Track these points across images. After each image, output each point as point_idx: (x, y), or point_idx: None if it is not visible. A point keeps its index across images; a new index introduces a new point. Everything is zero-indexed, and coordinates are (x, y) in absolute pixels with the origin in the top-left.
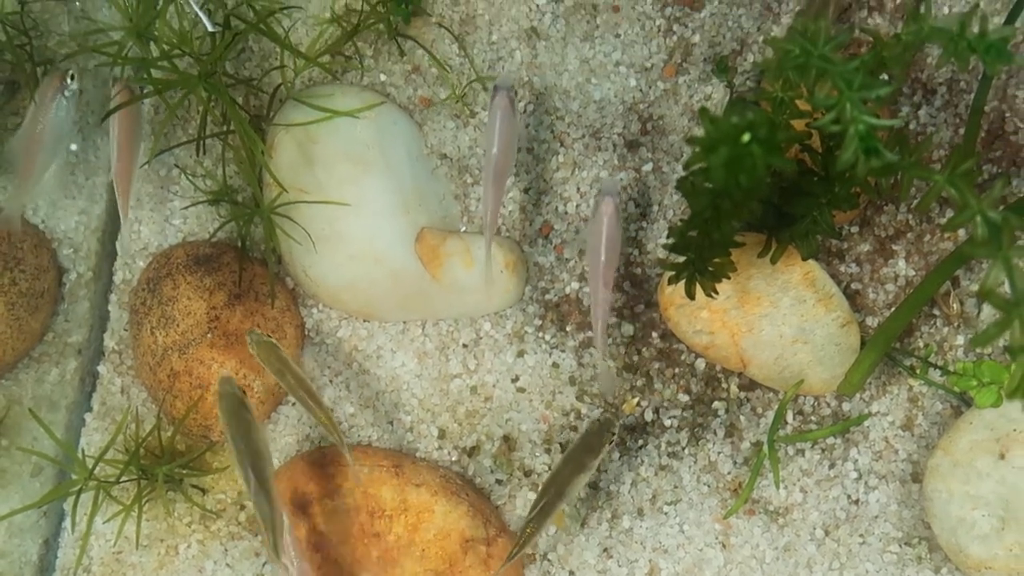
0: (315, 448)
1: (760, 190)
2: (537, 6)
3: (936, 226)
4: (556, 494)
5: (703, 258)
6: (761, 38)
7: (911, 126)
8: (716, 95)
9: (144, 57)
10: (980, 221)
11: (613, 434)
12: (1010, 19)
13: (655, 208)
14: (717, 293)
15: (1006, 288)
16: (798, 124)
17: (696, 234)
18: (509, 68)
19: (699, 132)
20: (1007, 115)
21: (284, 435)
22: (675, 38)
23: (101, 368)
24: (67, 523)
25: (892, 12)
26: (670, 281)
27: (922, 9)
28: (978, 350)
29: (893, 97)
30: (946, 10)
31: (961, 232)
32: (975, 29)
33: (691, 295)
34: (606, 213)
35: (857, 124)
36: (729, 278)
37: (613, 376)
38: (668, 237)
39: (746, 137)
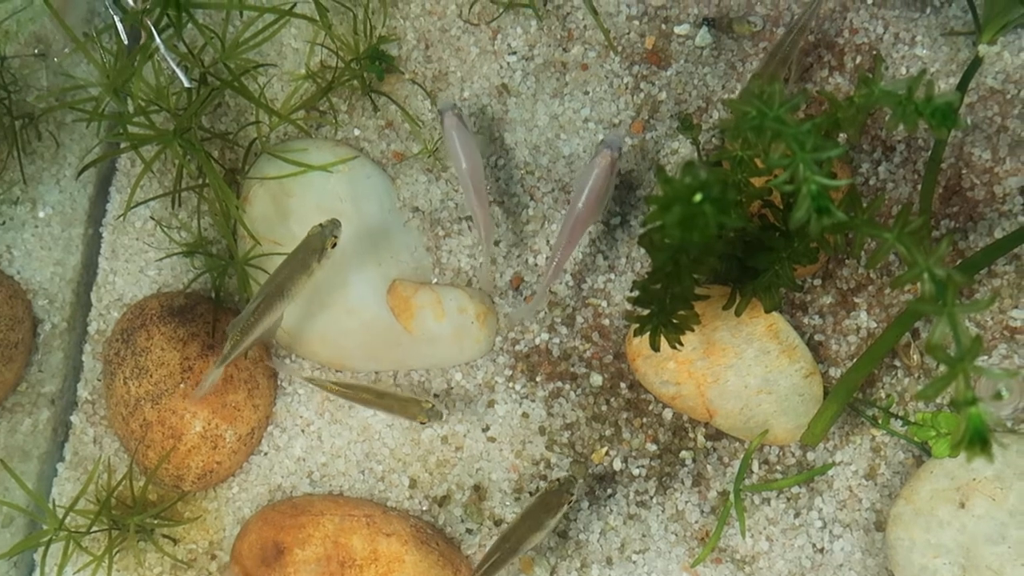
0: (286, 498)
1: (715, 247)
2: (508, 63)
3: (871, 268)
4: (509, 550)
5: (667, 311)
6: (725, 96)
7: (871, 182)
8: (683, 150)
9: (121, 113)
10: (927, 278)
11: (572, 495)
12: (963, 82)
13: (623, 260)
14: (682, 345)
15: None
16: (759, 181)
17: (659, 287)
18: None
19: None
20: (963, 171)
21: (256, 485)
22: (642, 95)
23: (74, 418)
24: (37, 574)
25: (851, 72)
26: (636, 333)
27: (874, 73)
28: (938, 400)
29: (851, 155)
30: (904, 70)
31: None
32: (922, 94)
33: (655, 347)
34: (599, 164)
35: (809, 184)
36: (693, 330)
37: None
38: (632, 290)
39: (698, 197)
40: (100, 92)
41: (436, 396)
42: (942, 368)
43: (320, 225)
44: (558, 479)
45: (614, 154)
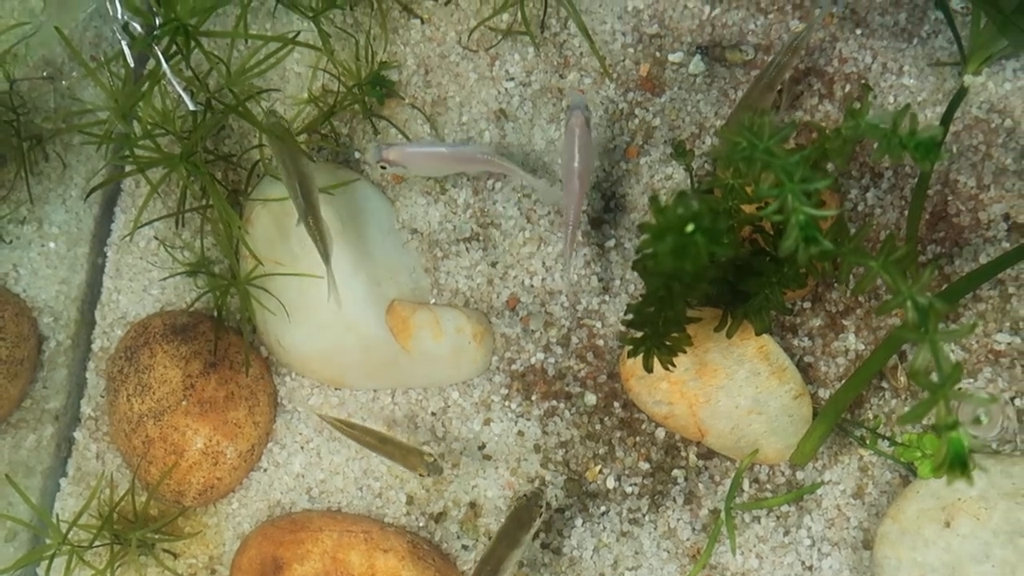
0: (285, 514)
1: (706, 274)
2: (506, 89)
3: (857, 295)
4: (491, 572)
5: (660, 333)
6: (718, 123)
7: (859, 207)
8: (676, 176)
9: (128, 135)
10: (910, 306)
11: (541, 507)
12: (949, 111)
13: (617, 282)
14: (674, 366)
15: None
16: (749, 208)
17: (652, 311)
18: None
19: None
20: (949, 198)
21: (255, 501)
22: (637, 121)
23: (77, 434)
24: None
25: (841, 100)
26: (630, 354)
27: (860, 104)
28: (924, 422)
29: (840, 181)
30: (891, 99)
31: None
32: (907, 127)
33: (648, 368)
34: (577, 124)
35: (798, 214)
36: (685, 352)
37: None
38: (626, 313)
39: (690, 227)
40: (108, 116)
41: (441, 456)
42: (926, 391)
43: (526, 496)
44: (525, 494)
45: (585, 112)
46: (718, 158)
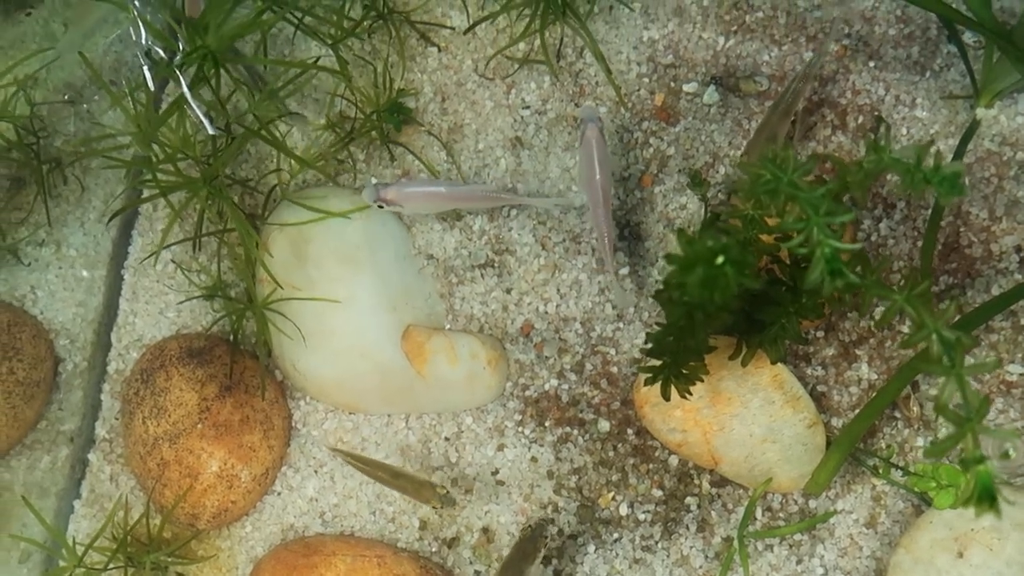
0: (298, 538)
1: (731, 305)
2: (521, 117)
3: (897, 332)
4: None
5: (678, 362)
6: (732, 152)
7: (872, 238)
8: (691, 205)
9: (149, 159)
10: (935, 340)
11: (546, 538)
12: (962, 144)
13: (631, 310)
14: (691, 394)
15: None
16: (767, 238)
17: (672, 340)
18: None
19: (675, 247)
20: (962, 230)
21: (269, 524)
22: (651, 150)
23: (91, 456)
24: None
25: (854, 131)
26: (646, 383)
27: (880, 135)
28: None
29: (854, 212)
30: (904, 131)
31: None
32: (930, 162)
33: (667, 397)
34: (592, 136)
35: (823, 247)
36: (703, 380)
37: (625, 292)
38: (646, 342)
39: (720, 259)
40: (131, 140)
41: (455, 481)
42: (941, 420)
43: (530, 527)
44: (530, 524)
45: (598, 124)
46: (739, 189)
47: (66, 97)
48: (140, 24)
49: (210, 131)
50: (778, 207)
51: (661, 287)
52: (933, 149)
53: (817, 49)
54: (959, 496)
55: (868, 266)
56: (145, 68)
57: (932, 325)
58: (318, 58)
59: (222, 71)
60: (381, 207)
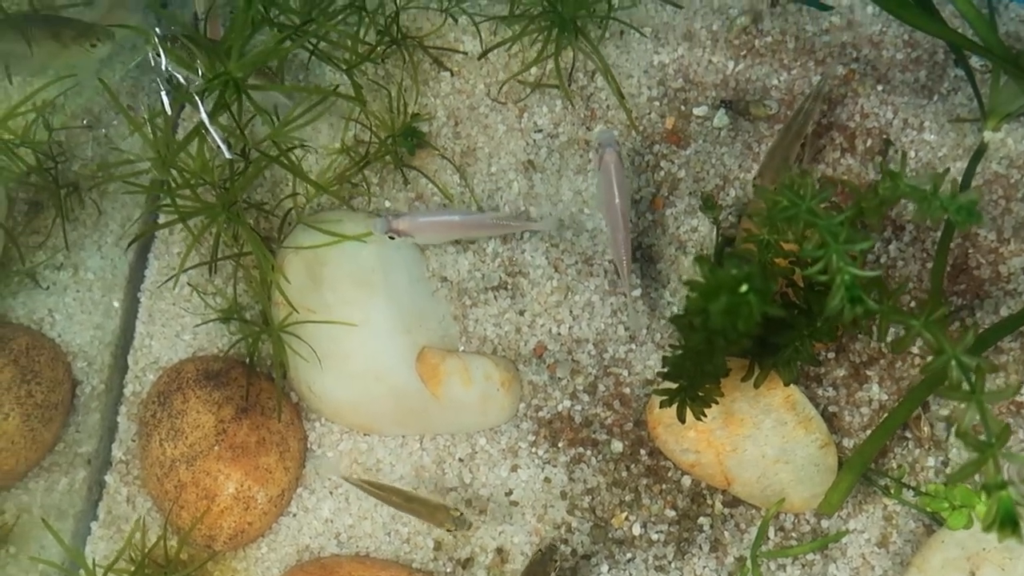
0: (314, 559)
1: (752, 330)
2: (534, 140)
3: (907, 353)
4: None
5: (695, 385)
6: (742, 175)
7: (882, 260)
8: (702, 228)
9: (168, 184)
10: (954, 366)
11: (556, 561)
12: (970, 167)
13: (644, 331)
14: (706, 417)
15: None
16: (781, 261)
17: (689, 364)
18: (507, 198)
19: (687, 270)
20: (970, 251)
21: (284, 545)
22: (662, 173)
23: (108, 478)
24: None
25: (863, 154)
26: (661, 405)
27: (891, 159)
28: (948, 471)
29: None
30: (913, 154)
31: (930, 359)
32: (946, 189)
33: (682, 419)
34: (611, 161)
35: (843, 275)
36: (718, 403)
37: (638, 314)
38: (663, 365)
39: (744, 288)
40: (150, 167)
41: (468, 502)
42: (952, 441)
43: (540, 551)
44: (540, 548)
45: (616, 149)
46: (755, 215)
47: (84, 122)
48: (160, 50)
49: (227, 156)
50: (796, 233)
51: (680, 313)
52: (948, 177)
53: (824, 72)
54: (981, 522)
55: (885, 292)
56: (163, 93)
57: (951, 351)
58: (337, 86)
59: (251, 98)
60: (392, 239)
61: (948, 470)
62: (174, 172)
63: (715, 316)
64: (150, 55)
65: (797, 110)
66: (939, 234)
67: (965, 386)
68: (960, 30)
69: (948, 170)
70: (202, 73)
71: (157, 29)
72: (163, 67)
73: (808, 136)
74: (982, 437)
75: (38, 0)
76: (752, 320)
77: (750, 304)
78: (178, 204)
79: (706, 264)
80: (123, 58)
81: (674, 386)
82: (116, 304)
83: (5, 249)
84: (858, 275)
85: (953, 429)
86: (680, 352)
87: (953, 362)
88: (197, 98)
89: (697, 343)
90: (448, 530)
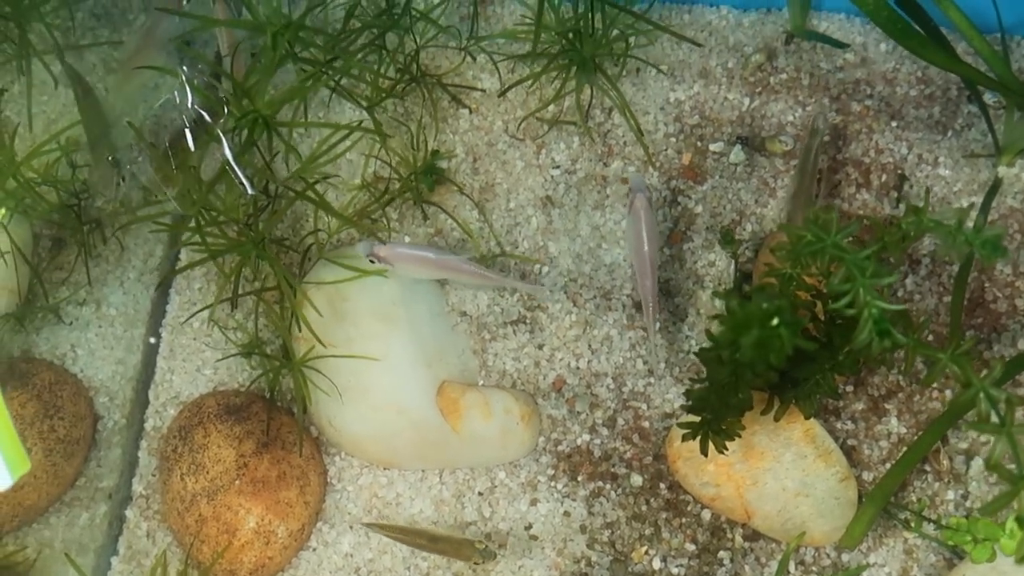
0: None
1: (781, 363)
2: (552, 176)
3: (925, 387)
4: None
5: (718, 418)
6: (758, 210)
7: (899, 293)
8: (719, 262)
9: (197, 223)
10: (983, 399)
11: None
12: (985, 202)
13: (662, 365)
14: (728, 450)
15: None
16: (803, 294)
17: (714, 397)
18: (526, 233)
19: (707, 304)
20: (986, 285)
21: None
22: (679, 208)
23: (129, 512)
24: None
25: (878, 189)
26: (684, 438)
27: (905, 193)
28: (967, 504)
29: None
30: (927, 189)
31: (948, 393)
32: (970, 224)
33: (705, 452)
34: (641, 207)
35: (871, 308)
36: (740, 436)
37: (659, 358)
38: (687, 399)
39: (775, 321)
40: (176, 206)
41: (488, 536)
42: (972, 473)
43: None
44: None
45: (646, 194)
46: (777, 249)
47: (109, 159)
48: (188, 88)
49: (249, 191)
50: (821, 267)
51: (705, 346)
52: (973, 214)
53: (841, 110)
54: (1015, 555)
55: (911, 325)
56: (188, 132)
57: (979, 384)
58: (361, 121)
59: (280, 135)
60: (373, 262)
61: (968, 503)
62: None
63: (746, 349)
64: (175, 94)
65: (804, 150)
66: (955, 268)
67: (994, 418)
68: (974, 67)
69: (972, 205)
70: (227, 111)
71: (184, 68)
72: (189, 105)
73: (823, 171)
74: (1012, 468)
75: (63, 40)
76: (783, 353)
77: (781, 337)
78: (207, 242)
79: (734, 298)
80: (146, 97)
81: (697, 419)
82: (138, 339)
83: (29, 286)
84: (885, 309)
85: (972, 463)
86: (705, 385)
87: (981, 395)
88: (222, 136)
89: (723, 376)
90: (476, 563)
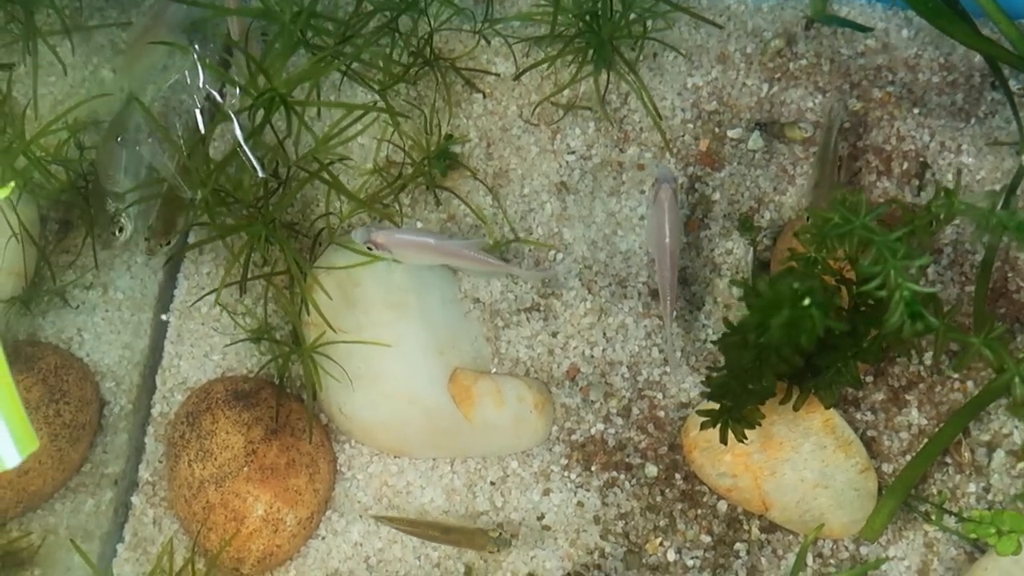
0: None
1: (809, 347)
2: (567, 162)
3: (947, 378)
4: None
5: (739, 405)
6: (777, 197)
7: (920, 283)
8: (737, 250)
9: (207, 203)
10: (1018, 383)
11: None
12: (1011, 190)
13: (678, 354)
14: (747, 439)
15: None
16: (828, 279)
17: (735, 384)
18: (540, 219)
19: (724, 291)
20: (1009, 275)
21: (313, 569)
22: (697, 195)
23: (134, 499)
24: None
25: (899, 177)
26: (703, 426)
27: (926, 180)
28: (989, 497)
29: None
30: (950, 177)
31: (970, 384)
32: (1001, 207)
33: (724, 440)
34: (665, 199)
35: (902, 291)
36: (761, 424)
37: (678, 361)
38: (706, 385)
39: (806, 301)
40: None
41: (500, 526)
42: (994, 465)
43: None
44: (568, 573)
45: (672, 185)
46: (802, 232)
47: (119, 140)
48: (199, 67)
49: (260, 174)
50: (849, 250)
51: (729, 332)
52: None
53: (861, 96)
54: None
55: (941, 310)
56: (198, 112)
57: (1014, 368)
58: (376, 102)
59: (299, 114)
60: (370, 249)
61: (990, 496)
62: (207, 191)
63: (775, 330)
64: (186, 74)
65: (823, 137)
66: (977, 257)
67: None
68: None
69: (1005, 187)
70: (239, 91)
71: (196, 46)
72: (200, 84)
73: (843, 158)
74: None
75: (71, 21)
76: (815, 334)
77: (813, 318)
78: (216, 223)
79: (762, 280)
80: (155, 79)
81: (716, 407)
82: (145, 324)
83: (36, 268)
84: (917, 291)
85: (994, 455)
86: (726, 371)
87: (1017, 379)
88: (234, 116)
89: (747, 362)
90: (490, 552)
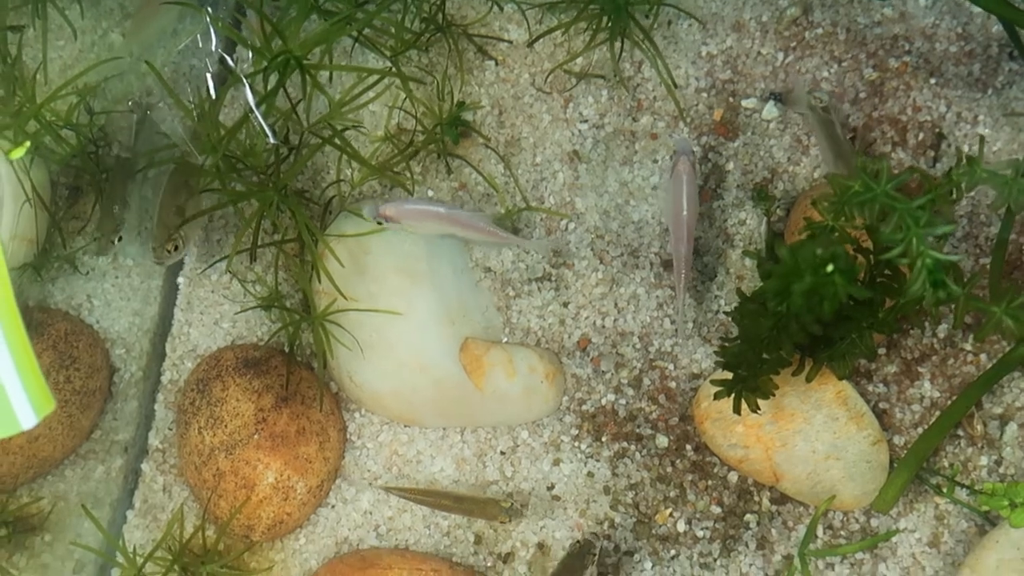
0: (353, 551)
1: (830, 315)
2: (579, 131)
3: (959, 350)
4: None
5: (753, 375)
6: (791, 167)
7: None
8: (750, 221)
9: (218, 169)
10: None
11: (594, 555)
12: None
13: (690, 325)
14: (760, 409)
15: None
16: (847, 248)
17: (751, 353)
18: (552, 188)
19: (738, 263)
20: None
21: (323, 537)
22: (710, 165)
23: (144, 466)
24: None
25: (914, 148)
26: (717, 396)
27: (942, 151)
28: (1001, 470)
29: None
30: (966, 148)
31: (983, 357)
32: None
33: (738, 411)
34: (684, 171)
35: (925, 258)
36: (775, 395)
37: (688, 332)
38: (720, 355)
39: (829, 267)
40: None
41: (511, 495)
42: (1006, 438)
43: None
44: (578, 540)
45: (690, 158)
46: (819, 200)
47: (130, 103)
48: (212, 30)
49: (271, 140)
50: (870, 218)
51: (745, 298)
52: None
53: (878, 67)
54: None
55: (961, 279)
56: (209, 76)
57: None
58: (391, 67)
59: (314, 78)
60: (380, 223)
61: (1001, 469)
62: (217, 157)
63: (796, 297)
64: (198, 38)
65: (822, 126)
66: (992, 230)
67: None
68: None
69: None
70: (252, 54)
71: (208, 8)
72: (213, 47)
73: (858, 129)
74: None
75: None
76: (837, 301)
77: (835, 284)
78: (228, 188)
79: (783, 246)
80: (166, 43)
81: (729, 376)
82: (155, 291)
83: (47, 234)
84: (940, 259)
85: (1007, 428)
86: (742, 341)
87: None
88: (246, 81)
89: (765, 330)
90: (502, 521)
